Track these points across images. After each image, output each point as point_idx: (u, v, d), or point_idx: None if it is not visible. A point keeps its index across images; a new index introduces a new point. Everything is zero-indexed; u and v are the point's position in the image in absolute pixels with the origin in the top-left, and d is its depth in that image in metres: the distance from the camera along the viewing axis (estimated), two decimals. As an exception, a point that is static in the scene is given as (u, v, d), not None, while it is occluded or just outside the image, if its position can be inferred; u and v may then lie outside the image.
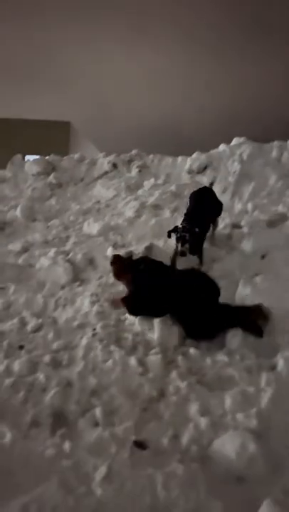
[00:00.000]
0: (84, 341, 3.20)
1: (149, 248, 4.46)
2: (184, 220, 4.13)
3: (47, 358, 3.02)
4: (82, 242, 4.97)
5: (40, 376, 2.83)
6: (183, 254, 3.87)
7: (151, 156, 7.22)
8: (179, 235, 3.90)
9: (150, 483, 1.93)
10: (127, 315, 3.51)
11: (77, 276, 4.25)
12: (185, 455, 2.14)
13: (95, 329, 3.36)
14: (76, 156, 7.75)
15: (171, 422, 2.40)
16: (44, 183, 6.97)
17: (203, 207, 4.32)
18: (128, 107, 12.57)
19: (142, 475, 1.98)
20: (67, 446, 2.22)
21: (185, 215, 4.25)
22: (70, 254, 4.60)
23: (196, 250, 4.00)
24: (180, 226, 3.97)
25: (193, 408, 2.49)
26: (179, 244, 3.89)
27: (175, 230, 3.97)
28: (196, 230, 3.90)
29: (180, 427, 2.35)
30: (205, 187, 4.86)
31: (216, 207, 4.58)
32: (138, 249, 4.40)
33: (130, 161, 7.16)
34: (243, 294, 3.66)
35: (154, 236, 4.92)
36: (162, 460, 2.10)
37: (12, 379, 2.80)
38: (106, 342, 3.16)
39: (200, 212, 4.21)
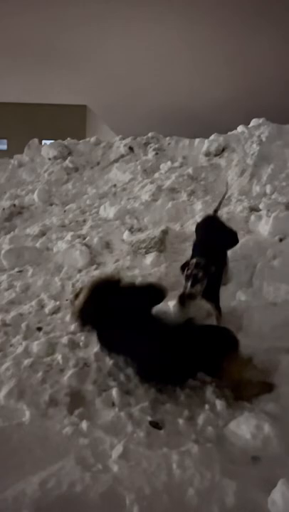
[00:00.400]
0: (100, 324, 3.23)
1: (165, 232, 4.44)
2: (195, 255, 3.26)
3: (65, 340, 3.07)
4: (98, 225, 4.98)
5: (58, 357, 2.88)
6: (192, 297, 2.99)
7: (167, 139, 7.13)
8: (190, 271, 3.05)
9: (166, 461, 1.96)
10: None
11: (94, 260, 4.28)
12: (200, 435, 2.16)
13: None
14: (92, 139, 7.71)
15: (186, 404, 2.42)
16: (61, 167, 6.97)
17: (215, 239, 3.43)
18: (145, 90, 12.40)
19: (158, 454, 2.01)
20: (84, 425, 2.26)
21: (194, 248, 3.40)
22: (87, 238, 4.62)
23: (212, 295, 3.11)
24: (193, 261, 3.11)
25: (209, 390, 2.50)
26: (189, 284, 3.01)
27: (186, 264, 3.15)
28: (213, 268, 3.07)
29: (196, 408, 2.37)
30: (211, 216, 3.87)
31: (229, 237, 3.59)
32: (154, 233, 4.39)
33: (147, 144, 7.09)
34: (260, 277, 3.63)
35: (171, 220, 4.90)
36: (178, 440, 2.13)
37: (31, 359, 2.86)
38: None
39: (212, 246, 3.31)
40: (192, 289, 2.96)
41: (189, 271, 3.02)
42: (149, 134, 7.32)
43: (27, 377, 2.69)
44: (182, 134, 7.32)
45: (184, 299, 3.02)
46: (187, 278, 3.02)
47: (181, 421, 2.28)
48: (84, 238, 4.64)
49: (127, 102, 13.38)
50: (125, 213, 5.13)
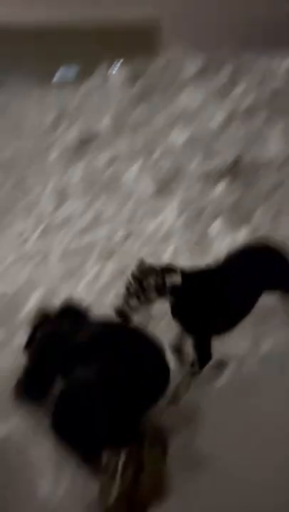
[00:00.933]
0: (169, 250, 3.28)
1: (239, 159, 4.24)
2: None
3: (134, 265, 3.16)
4: (168, 152, 4.84)
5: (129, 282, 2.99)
6: (120, 314, 2.05)
7: (244, 57, 6.53)
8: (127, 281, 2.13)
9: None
10: (213, 226, 3.47)
11: (164, 187, 4.24)
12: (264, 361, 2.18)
13: (179, 240, 3.41)
14: (163, 60, 7.28)
15: (251, 331, 2.41)
16: (130, 92, 6.75)
17: (253, 273, 2.24)
18: (220, 3, 11.29)
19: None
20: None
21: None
22: (157, 166, 4.55)
23: (199, 339, 2.11)
24: (133, 270, 2.18)
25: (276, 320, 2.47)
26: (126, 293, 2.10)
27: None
28: (152, 281, 2.05)
29: (260, 336, 2.38)
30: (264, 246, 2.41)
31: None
32: (226, 160, 4.21)
33: (221, 64, 6.56)
34: None
35: (245, 145, 4.62)
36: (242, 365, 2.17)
37: (102, 283, 3.02)
38: (190, 252, 3.20)
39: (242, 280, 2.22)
40: (126, 301, 2.05)
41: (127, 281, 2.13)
42: (224, 52, 6.74)
43: (99, 299, 2.85)
44: (262, 51, 6.65)
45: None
46: (127, 288, 2.12)
47: (246, 344, 2.31)
48: (153, 166, 4.58)
49: (201, 18, 12.30)
50: (196, 139, 4.92)
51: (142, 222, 3.83)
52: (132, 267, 3.13)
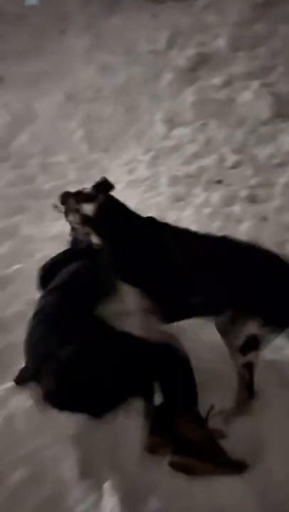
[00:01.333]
0: (283, 179, 3.13)
1: None
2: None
3: (244, 193, 3.10)
4: (289, 72, 4.43)
5: (237, 209, 2.96)
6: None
7: None
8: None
9: None
10: None
11: (281, 111, 3.95)
12: None
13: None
14: None
15: None
16: (250, 4, 6.12)
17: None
18: None
19: None
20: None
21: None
22: (275, 87, 4.21)
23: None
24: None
25: None
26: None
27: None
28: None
29: None
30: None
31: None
32: None
33: None
34: None
35: None
36: None
37: (210, 209, 3.02)
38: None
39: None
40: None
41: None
42: None
43: (206, 225, 2.87)
44: None
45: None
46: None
47: None
48: (271, 87, 4.24)
49: None
50: None
51: (255, 149, 3.66)
52: (242, 194, 3.11)
